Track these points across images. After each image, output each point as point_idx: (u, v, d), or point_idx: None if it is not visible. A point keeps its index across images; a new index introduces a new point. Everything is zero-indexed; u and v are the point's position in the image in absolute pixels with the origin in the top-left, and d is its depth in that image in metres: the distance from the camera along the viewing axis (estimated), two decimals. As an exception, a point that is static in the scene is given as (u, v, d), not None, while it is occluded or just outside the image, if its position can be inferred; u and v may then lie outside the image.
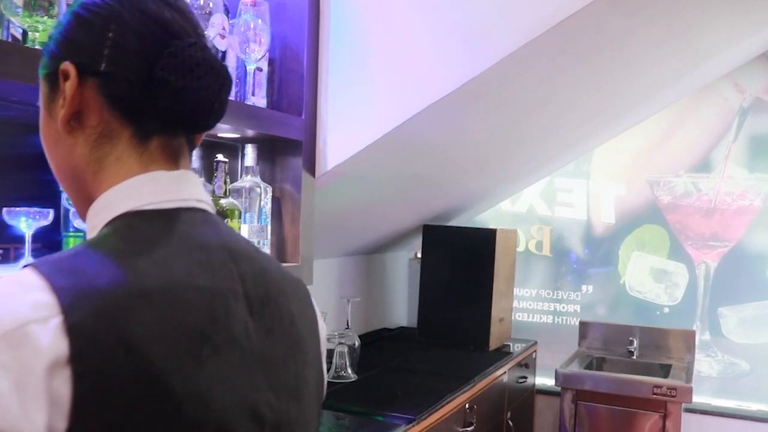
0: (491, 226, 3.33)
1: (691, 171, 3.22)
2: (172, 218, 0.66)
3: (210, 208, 0.71)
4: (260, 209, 1.85)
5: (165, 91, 0.65)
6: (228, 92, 0.70)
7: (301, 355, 0.71)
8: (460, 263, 2.99)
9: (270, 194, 1.85)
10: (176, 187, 0.68)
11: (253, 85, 1.73)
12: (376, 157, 1.97)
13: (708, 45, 2.44)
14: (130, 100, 0.66)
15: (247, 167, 1.78)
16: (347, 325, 2.54)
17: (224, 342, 0.61)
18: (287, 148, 1.86)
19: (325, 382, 0.79)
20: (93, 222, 0.67)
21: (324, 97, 1.90)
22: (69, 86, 0.66)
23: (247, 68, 1.71)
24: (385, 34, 1.84)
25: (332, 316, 2.58)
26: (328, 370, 2.35)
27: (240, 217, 1.68)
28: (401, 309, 3.52)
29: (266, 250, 1.79)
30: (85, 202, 0.69)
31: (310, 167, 1.90)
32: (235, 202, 1.67)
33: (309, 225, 1.89)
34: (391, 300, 3.45)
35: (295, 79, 1.86)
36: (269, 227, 1.85)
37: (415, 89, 1.80)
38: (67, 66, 0.66)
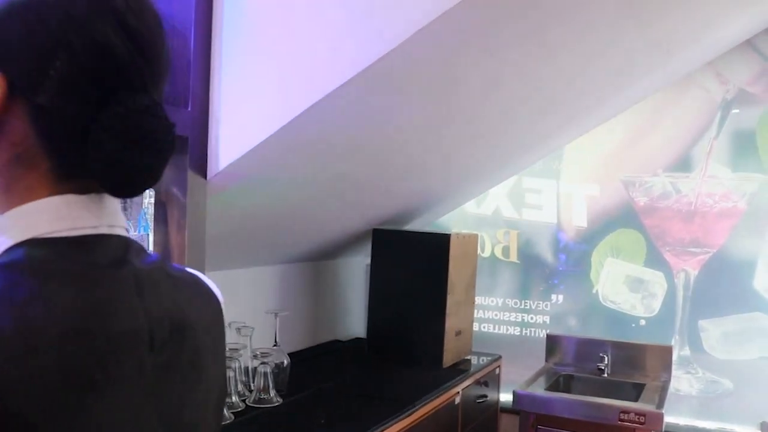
0: (453, 230, 3.07)
1: (670, 170, 2.94)
2: (79, 249, 0.60)
3: (124, 231, 0.66)
4: (140, 216, 1.60)
5: (98, 155, 0.58)
6: (166, 163, 0.63)
7: (199, 384, 0.68)
8: (413, 271, 2.72)
9: (152, 198, 1.61)
10: (86, 213, 0.62)
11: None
12: (277, 154, 1.71)
13: (675, 27, 2.16)
14: (59, 140, 0.60)
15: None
16: (275, 341, 2.28)
17: (113, 385, 0.58)
18: (171, 144, 1.61)
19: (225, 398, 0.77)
20: None
21: (216, 87, 1.65)
22: None
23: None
24: (282, 13, 1.58)
25: (263, 331, 2.32)
26: (250, 391, 2.11)
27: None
28: (357, 319, 3.26)
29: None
30: None
31: (200, 167, 1.65)
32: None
33: (198, 232, 1.65)
34: (344, 309, 3.19)
35: (180, 66, 1.61)
36: (151, 236, 1.60)
37: (313, 75, 1.54)
38: None
